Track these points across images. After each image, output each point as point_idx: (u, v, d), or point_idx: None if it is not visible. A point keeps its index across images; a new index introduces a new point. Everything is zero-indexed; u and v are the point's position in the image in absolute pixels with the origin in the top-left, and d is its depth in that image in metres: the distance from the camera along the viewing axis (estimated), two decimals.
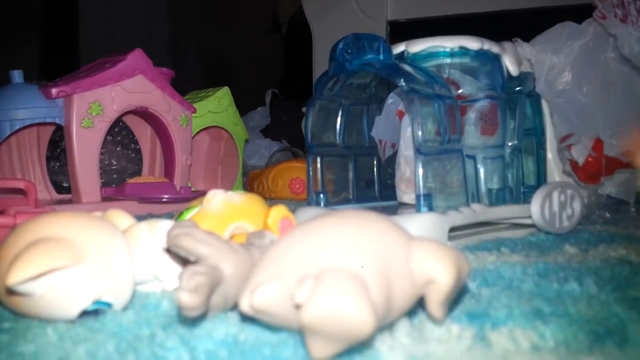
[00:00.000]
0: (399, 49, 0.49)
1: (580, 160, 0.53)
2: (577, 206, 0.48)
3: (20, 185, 0.52)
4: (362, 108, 0.55)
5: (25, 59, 1.71)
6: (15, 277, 0.23)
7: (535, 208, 0.46)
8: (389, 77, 0.45)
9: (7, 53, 1.55)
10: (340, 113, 0.53)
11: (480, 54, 0.48)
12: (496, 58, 0.48)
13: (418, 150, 0.43)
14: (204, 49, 2.18)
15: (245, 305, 0.21)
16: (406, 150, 0.51)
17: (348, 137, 0.54)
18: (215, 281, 0.24)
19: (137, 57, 0.64)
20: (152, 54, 0.66)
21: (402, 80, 0.43)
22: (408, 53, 0.49)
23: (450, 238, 0.42)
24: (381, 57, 0.45)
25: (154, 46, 1.71)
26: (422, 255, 0.22)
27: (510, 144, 0.49)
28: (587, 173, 0.53)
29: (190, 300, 0.21)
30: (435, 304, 0.22)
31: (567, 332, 0.23)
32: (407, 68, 0.45)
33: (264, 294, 0.21)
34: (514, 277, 0.32)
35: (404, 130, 0.51)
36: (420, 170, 0.42)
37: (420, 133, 0.42)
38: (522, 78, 0.51)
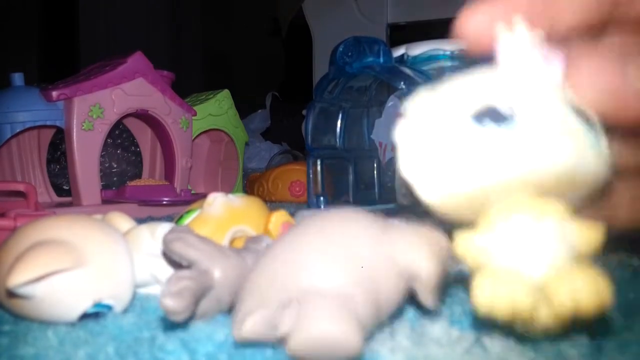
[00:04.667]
0: (399, 51, 0.49)
1: None
2: None
3: (21, 187, 0.52)
4: (362, 111, 0.55)
5: (26, 62, 1.71)
6: (15, 280, 0.23)
7: None
8: (389, 80, 0.45)
9: (8, 56, 1.55)
10: (340, 116, 0.53)
11: None
12: None
13: None
14: (205, 52, 2.19)
15: (236, 337, 0.22)
16: None
17: (348, 140, 0.54)
18: (204, 286, 0.24)
19: (137, 60, 0.64)
20: (152, 57, 0.66)
21: (402, 83, 0.43)
22: (408, 56, 0.49)
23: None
24: (381, 60, 0.45)
25: (154, 49, 1.71)
26: (401, 249, 0.22)
27: None
28: None
29: (173, 304, 0.22)
30: (424, 296, 0.22)
31: (566, 336, 0.23)
32: (408, 71, 0.45)
33: (251, 327, 0.21)
34: None
35: None
36: None
37: None
38: None
